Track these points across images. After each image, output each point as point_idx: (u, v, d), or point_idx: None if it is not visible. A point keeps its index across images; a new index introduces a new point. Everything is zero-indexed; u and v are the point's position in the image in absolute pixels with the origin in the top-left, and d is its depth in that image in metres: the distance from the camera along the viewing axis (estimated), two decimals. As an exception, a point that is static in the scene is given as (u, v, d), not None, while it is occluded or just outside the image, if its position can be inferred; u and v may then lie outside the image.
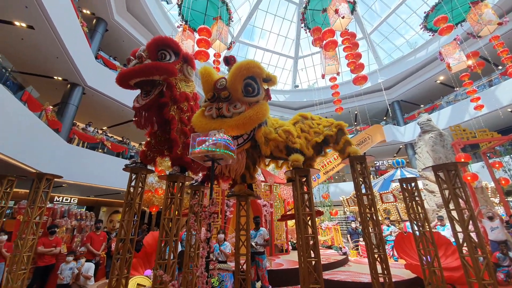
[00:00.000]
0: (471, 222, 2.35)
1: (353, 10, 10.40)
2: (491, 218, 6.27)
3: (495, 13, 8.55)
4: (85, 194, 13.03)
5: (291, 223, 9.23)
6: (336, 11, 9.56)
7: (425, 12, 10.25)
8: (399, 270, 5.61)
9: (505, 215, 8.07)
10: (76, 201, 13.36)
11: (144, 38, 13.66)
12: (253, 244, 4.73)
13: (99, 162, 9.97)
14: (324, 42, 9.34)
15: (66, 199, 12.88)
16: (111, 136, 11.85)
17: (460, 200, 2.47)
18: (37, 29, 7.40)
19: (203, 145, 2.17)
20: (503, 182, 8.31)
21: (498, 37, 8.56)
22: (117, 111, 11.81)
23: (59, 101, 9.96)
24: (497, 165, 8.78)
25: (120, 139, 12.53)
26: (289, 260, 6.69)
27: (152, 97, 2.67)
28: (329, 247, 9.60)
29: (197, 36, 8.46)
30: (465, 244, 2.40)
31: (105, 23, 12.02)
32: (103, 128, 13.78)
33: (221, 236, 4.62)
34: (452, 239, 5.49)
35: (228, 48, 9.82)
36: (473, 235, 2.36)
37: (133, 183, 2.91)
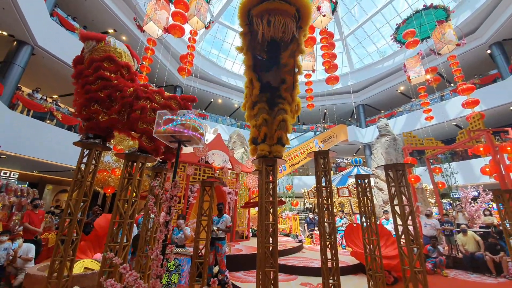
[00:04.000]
0: (410, 217, 2.66)
1: (334, 10, 10.64)
2: (428, 216, 7.24)
3: (455, 34, 9.53)
4: (27, 169, 11.55)
5: (253, 211, 9.46)
6: (318, 8, 9.68)
7: (397, 24, 10.97)
8: (346, 257, 6.19)
9: (438, 213, 9.36)
10: (16, 176, 11.80)
11: (111, 1, 12.18)
12: (215, 228, 4.75)
13: (47, 134, 8.86)
14: (304, 37, 9.43)
15: (5, 173, 11.29)
16: (64, 107, 10.56)
17: (403, 197, 2.77)
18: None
19: (170, 124, 2.05)
20: (440, 185, 9.59)
21: (455, 57, 9.57)
22: (71, 78, 10.51)
23: (1, 59, 8.49)
24: (437, 170, 10.07)
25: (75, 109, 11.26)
26: (248, 246, 6.90)
27: None
28: (287, 235, 10.12)
29: (173, 8, 7.83)
30: (403, 236, 2.72)
31: (65, -25, 10.43)
32: (54, 96, 12.18)
33: (181, 221, 4.53)
34: (394, 232, 6.22)
35: (206, 27, 9.34)
36: (411, 229, 2.68)
37: (85, 160, 2.64)
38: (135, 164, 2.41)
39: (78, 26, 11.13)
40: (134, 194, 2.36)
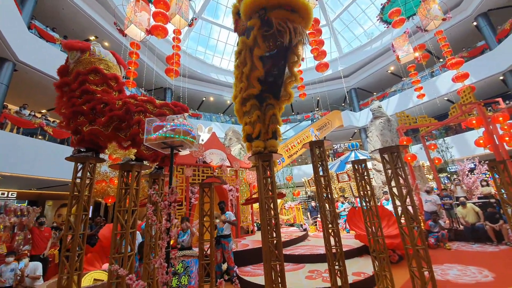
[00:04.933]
0: (408, 197, 2.70)
1: (317, -4, 10.49)
2: (428, 192, 7.36)
3: (440, 9, 9.47)
4: (25, 187, 11.45)
5: (256, 205, 9.54)
6: (301, -5, 9.52)
7: (381, 4, 10.86)
8: (350, 240, 6.31)
9: (437, 189, 9.53)
10: (15, 196, 11.70)
11: (89, 7, 11.85)
12: (222, 218, 4.87)
13: (40, 150, 8.75)
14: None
15: (3, 194, 11.18)
16: (53, 121, 10.40)
17: (400, 178, 2.80)
18: None
19: (160, 131, 2.02)
20: (436, 161, 9.72)
21: (442, 32, 9.52)
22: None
23: (-18, 78, 8.27)
24: (432, 147, 10.19)
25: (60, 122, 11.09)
26: (254, 240, 6.98)
27: None
28: (292, 225, 10.26)
29: (153, 8, 7.64)
30: (403, 216, 2.77)
31: (38, -15, 10.07)
32: (42, 111, 11.98)
33: (185, 224, 4.58)
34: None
35: (190, 25, 9.16)
36: (409, 208, 2.72)
37: (79, 174, 2.62)
38: (130, 173, 2.40)
39: (58, 37, 10.84)
40: (133, 204, 2.36)
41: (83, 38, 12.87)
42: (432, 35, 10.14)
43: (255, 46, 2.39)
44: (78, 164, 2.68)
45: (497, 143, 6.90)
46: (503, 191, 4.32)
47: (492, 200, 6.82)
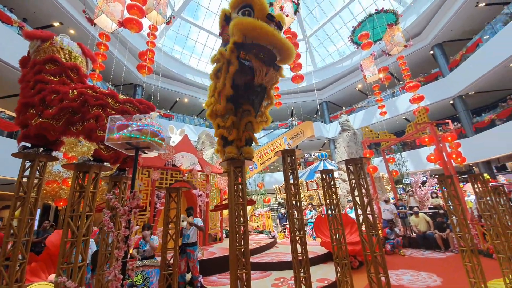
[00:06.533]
0: (369, 206, 2.88)
1: (296, 11, 10.97)
2: (386, 202, 7.94)
3: (403, 37, 10.53)
4: (-44, 185, 9.81)
5: (225, 212, 9.36)
6: (281, 8, 9.90)
7: (353, 27, 11.74)
8: (316, 247, 6.49)
9: (393, 198, 10.34)
10: None
11: (55, -10, 10.86)
12: (188, 220, 4.67)
13: (-20, 143, 7.61)
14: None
15: None
16: (1, 111, 9.17)
17: (362, 188, 2.98)
18: None
19: (125, 130, 1.89)
20: (394, 173, 10.59)
21: (403, 57, 10.59)
22: (9, 78, 9.09)
23: None
24: (391, 160, 11.09)
25: (15, 115, 9.85)
26: (222, 248, 6.81)
27: None
28: (261, 232, 10.25)
29: (128, 0, 7.28)
30: (363, 223, 2.93)
31: (-8, -42, 8.97)
32: (-12, 99, 10.49)
33: (147, 232, 4.29)
34: (357, 220, 6.71)
35: (167, 23, 8.88)
36: (370, 217, 2.90)
37: (27, 173, 2.32)
38: (87, 175, 2.19)
39: (17, 19, 9.69)
40: (89, 209, 2.14)
41: (46, 24, 11.70)
42: (395, 59, 11.21)
43: (230, 64, 2.38)
44: (26, 161, 2.38)
45: (446, 159, 7.77)
46: (449, 203, 4.84)
47: (441, 211, 7.59)
